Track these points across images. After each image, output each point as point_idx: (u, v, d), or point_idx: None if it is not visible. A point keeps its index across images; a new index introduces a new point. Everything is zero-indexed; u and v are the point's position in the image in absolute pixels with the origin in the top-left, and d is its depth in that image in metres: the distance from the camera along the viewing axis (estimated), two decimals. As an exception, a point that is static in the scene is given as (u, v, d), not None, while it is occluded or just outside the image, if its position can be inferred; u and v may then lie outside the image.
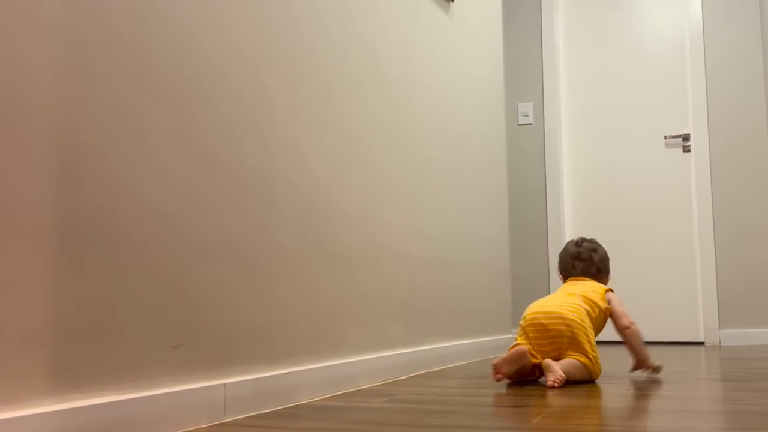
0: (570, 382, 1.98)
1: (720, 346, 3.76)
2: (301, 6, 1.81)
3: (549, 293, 4.26)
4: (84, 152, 1.17)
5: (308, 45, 1.84)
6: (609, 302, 2.20)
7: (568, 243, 2.42)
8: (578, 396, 1.76)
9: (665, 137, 4.16)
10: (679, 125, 4.16)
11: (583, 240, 2.40)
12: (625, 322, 2.17)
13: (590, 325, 2.09)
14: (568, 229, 4.34)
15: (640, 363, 2.20)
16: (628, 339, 2.18)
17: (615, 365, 2.54)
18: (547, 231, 4.31)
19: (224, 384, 1.42)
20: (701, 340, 3.99)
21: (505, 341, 3.27)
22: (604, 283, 2.32)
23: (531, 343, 2.05)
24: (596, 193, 4.30)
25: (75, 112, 1.16)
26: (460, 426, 1.34)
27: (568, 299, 2.13)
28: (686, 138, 4.11)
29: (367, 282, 2.08)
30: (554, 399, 1.71)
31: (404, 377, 2.22)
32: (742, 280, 3.92)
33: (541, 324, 2.04)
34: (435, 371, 2.42)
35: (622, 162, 4.25)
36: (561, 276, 2.40)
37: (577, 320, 2.04)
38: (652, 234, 4.15)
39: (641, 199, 4.20)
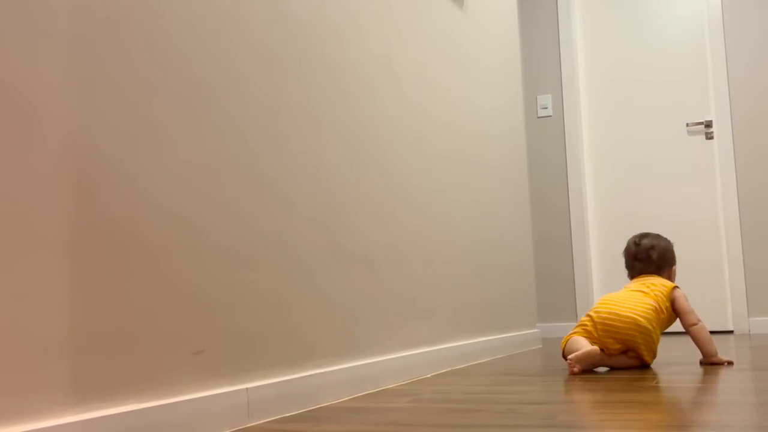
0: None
1: (750, 335, 3.70)
2: (312, 8, 1.81)
3: (574, 286, 4.22)
4: (99, 162, 1.17)
5: (321, 47, 1.83)
6: (674, 300, 2.25)
7: (629, 241, 2.47)
8: (604, 390, 1.74)
9: (687, 125, 4.11)
10: (701, 112, 4.10)
11: (642, 237, 2.44)
12: (692, 319, 2.23)
13: (658, 328, 2.20)
14: (591, 221, 4.30)
15: (708, 358, 2.24)
16: (694, 336, 2.23)
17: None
18: (570, 223, 4.28)
19: (247, 388, 1.42)
20: (730, 329, 3.94)
21: (531, 336, 3.25)
22: (668, 275, 2.39)
23: (596, 335, 2.18)
24: (619, 183, 4.26)
25: (89, 122, 1.16)
26: (486, 425, 1.33)
27: (642, 299, 2.21)
28: (708, 125, 4.06)
29: (388, 282, 2.07)
30: (580, 395, 1.70)
31: (428, 376, 2.21)
32: (770, 266, 3.86)
33: (615, 327, 2.17)
34: (459, 369, 2.41)
35: (645, 150, 4.21)
36: (628, 273, 2.47)
37: (649, 327, 2.15)
38: (676, 223, 4.10)
39: (665, 188, 4.15)
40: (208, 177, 1.41)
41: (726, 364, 2.20)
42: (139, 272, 1.23)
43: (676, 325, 2.37)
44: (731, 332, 3.91)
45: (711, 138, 4.06)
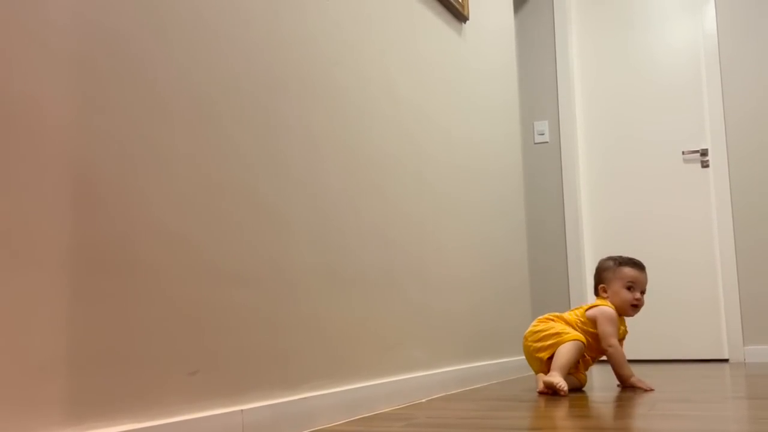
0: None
1: (745, 363, 3.70)
2: (313, 31, 1.83)
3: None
4: (99, 180, 1.18)
5: (321, 69, 1.85)
6: (594, 321, 2.37)
7: None
8: (598, 417, 1.73)
9: (683, 153, 4.13)
10: (696, 140, 4.13)
11: None
12: (603, 345, 2.35)
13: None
14: (587, 247, 4.31)
15: (623, 382, 2.33)
16: (608, 359, 2.35)
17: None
18: (566, 250, 4.28)
19: (242, 410, 1.42)
20: (725, 358, 3.93)
21: (525, 362, 3.24)
22: (605, 292, 2.46)
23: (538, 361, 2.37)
24: (615, 211, 4.27)
25: (89, 139, 1.17)
26: (480, 450, 1.32)
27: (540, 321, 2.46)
28: (704, 153, 4.08)
29: (383, 304, 2.07)
30: (574, 421, 1.69)
31: (423, 400, 2.20)
32: (765, 295, 3.86)
33: (525, 346, 2.43)
34: (454, 394, 2.40)
35: (641, 178, 4.23)
36: None
37: (537, 325, 2.39)
38: (672, 251, 4.11)
39: (660, 216, 4.17)
40: (207, 196, 1.41)
41: (646, 390, 2.24)
42: (138, 291, 1.23)
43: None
44: (726, 361, 3.90)
45: (707, 166, 4.08)
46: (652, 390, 2.23)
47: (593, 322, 2.36)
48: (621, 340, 2.40)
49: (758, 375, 2.90)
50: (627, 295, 2.40)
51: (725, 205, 3.98)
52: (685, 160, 4.13)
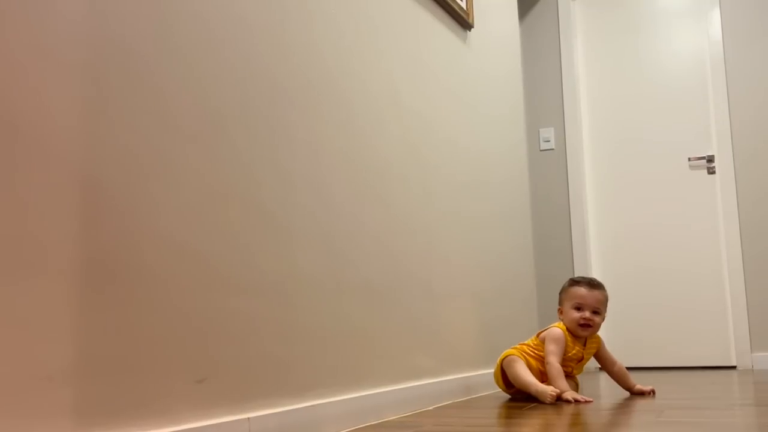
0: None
1: (753, 370, 3.68)
2: (319, 40, 1.83)
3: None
4: (107, 190, 1.18)
5: (326, 79, 1.86)
6: (543, 342, 2.42)
7: None
8: (607, 424, 1.73)
9: (689, 159, 4.13)
10: (702, 147, 4.12)
11: None
12: (544, 362, 2.39)
13: (527, 357, 2.41)
14: (593, 255, 4.30)
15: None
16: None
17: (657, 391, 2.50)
18: (572, 257, 4.28)
19: (249, 418, 1.42)
20: (733, 364, 3.92)
21: (532, 369, 3.23)
22: (561, 314, 2.49)
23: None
24: (621, 218, 4.26)
25: (98, 151, 1.17)
26: (487, 458, 1.32)
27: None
28: (710, 159, 4.08)
29: (390, 312, 2.07)
30: (582, 428, 1.69)
31: (431, 408, 2.20)
32: (773, 302, 3.85)
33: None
34: (462, 401, 2.40)
35: (647, 184, 4.22)
36: None
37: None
38: (678, 257, 4.10)
39: (667, 222, 4.16)
40: (213, 206, 1.42)
41: (573, 401, 2.20)
42: (145, 300, 1.23)
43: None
44: (734, 368, 3.89)
45: (713, 173, 4.07)
46: (590, 401, 2.20)
47: (543, 342, 2.42)
48: (578, 360, 2.43)
49: (766, 382, 2.89)
50: (575, 315, 2.40)
51: (732, 210, 3.97)
52: (692, 167, 4.13)
